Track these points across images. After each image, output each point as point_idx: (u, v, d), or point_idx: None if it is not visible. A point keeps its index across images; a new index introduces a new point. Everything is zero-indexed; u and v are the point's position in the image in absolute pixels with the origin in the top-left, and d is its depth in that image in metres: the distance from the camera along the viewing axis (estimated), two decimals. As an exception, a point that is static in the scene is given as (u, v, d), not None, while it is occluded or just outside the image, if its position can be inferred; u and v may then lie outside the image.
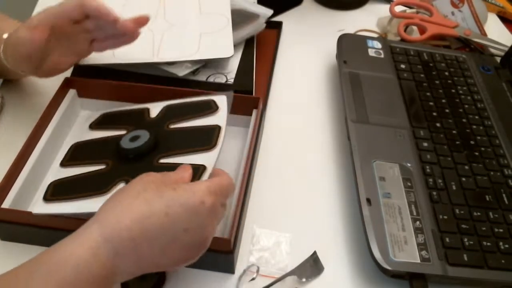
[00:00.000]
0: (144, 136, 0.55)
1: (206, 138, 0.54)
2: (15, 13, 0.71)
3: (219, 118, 0.58)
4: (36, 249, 0.54)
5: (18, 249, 0.54)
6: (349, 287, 0.52)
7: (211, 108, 0.59)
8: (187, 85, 0.68)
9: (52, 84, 0.66)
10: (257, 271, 0.51)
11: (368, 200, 0.53)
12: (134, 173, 0.51)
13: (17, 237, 0.54)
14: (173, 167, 0.50)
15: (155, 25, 0.74)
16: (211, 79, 0.70)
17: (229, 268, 0.52)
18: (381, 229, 0.51)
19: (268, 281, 0.51)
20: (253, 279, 0.51)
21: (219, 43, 0.70)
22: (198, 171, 0.50)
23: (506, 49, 0.79)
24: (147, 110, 0.63)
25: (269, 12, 0.77)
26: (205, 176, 0.49)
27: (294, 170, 0.63)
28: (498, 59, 0.78)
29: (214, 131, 0.55)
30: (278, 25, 0.83)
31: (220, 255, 0.50)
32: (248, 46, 0.75)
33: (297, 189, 0.61)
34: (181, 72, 0.68)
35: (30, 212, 0.53)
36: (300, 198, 0.60)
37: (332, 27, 0.84)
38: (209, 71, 0.71)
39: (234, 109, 0.64)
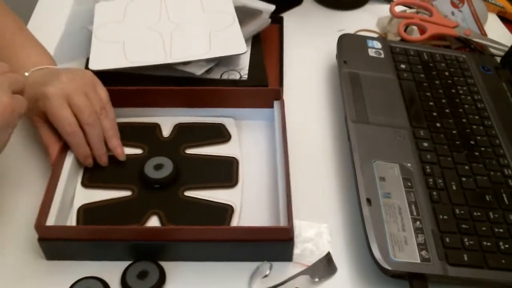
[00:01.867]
0: (167, 165, 0.59)
1: (227, 173, 0.60)
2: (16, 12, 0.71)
3: (234, 148, 0.63)
4: (84, 264, 0.53)
5: (65, 267, 0.53)
6: (349, 287, 0.52)
7: (223, 136, 0.64)
8: (203, 84, 0.69)
9: None
10: (270, 268, 0.51)
11: (368, 200, 0.53)
12: (163, 204, 0.56)
13: (63, 254, 0.53)
14: (198, 202, 0.57)
15: (161, 26, 0.74)
16: (225, 76, 0.71)
17: (288, 256, 0.53)
18: (381, 229, 0.51)
19: (282, 278, 0.51)
20: (265, 276, 0.51)
21: (230, 40, 0.71)
22: (227, 212, 0.55)
23: (506, 49, 0.79)
24: (158, 127, 0.65)
25: (271, 7, 0.79)
26: (235, 218, 0.55)
27: (293, 169, 0.63)
28: (498, 59, 0.78)
29: (232, 164, 0.60)
30: (279, 20, 0.84)
31: (280, 243, 0.51)
32: (254, 42, 0.76)
33: (297, 189, 0.60)
34: (198, 71, 0.69)
35: (78, 227, 0.53)
36: (299, 198, 0.60)
37: (332, 27, 0.84)
38: (222, 69, 0.72)
39: (253, 102, 0.65)
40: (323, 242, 0.55)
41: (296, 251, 0.53)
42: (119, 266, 0.52)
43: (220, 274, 0.52)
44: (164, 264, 0.52)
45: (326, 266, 0.53)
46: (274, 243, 0.51)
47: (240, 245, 0.51)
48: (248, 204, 0.57)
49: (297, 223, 0.56)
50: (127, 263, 0.52)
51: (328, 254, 0.54)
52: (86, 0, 0.82)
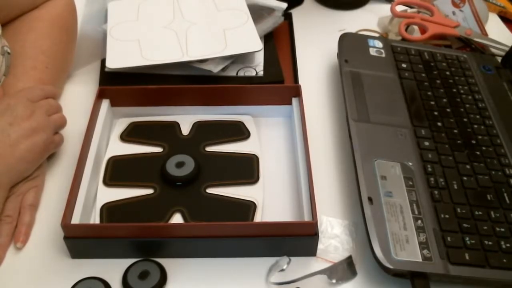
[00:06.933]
0: (189, 163, 0.59)
1: (248, 170, 0.60)
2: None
3: (253, 145, 0.63)
4: (85, 264, 0.53)
5: (90, 265, 0.53)
6: (350, 286, 0.52)
7: (242, 133, 0.64)
8: (219, 81, 0.70)
9: (78, 89, 0.71)
10: (288, 263, 0.52)
11: (370, 199, 0.53)
12: (185, 202, 0.56)
13: (88, 252, 0.53)
14: (221, 199, 0.57)
15: (175, 24, 0.74)
16: (241, 73, 0.71)
17: (312, 251, 0.53)
18: (383, 228, 0.51)
19: (302, 272, 0.51)
20: (282, 270, 0.51)
21: (245, 38, 0.72)
22: (250, 208, 0.55)
23: (507, 49, 0.79)
24: (177, 125, 0.65)
25: (283, 5, 0.80)
26: (258, 214, 0.55)
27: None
28: (499, 59, 0.78)
29: (252, 161, 0.61)
30: (288, 16, 0.85)
31: (305, 238, 0.52)
32: (267, 38, 0.77)
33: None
34: (215, 68, 0.69)
35: (103, 225, 0.54)
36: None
37: (333, 26, 0.84)
38: (237, 66, 0.72)
39: (271, 99, 0.66)
40: (348, 240, 0.55)
41: (320, 246, 0.54)
42: (121, 266, 0.52)
43: (220, 271, 0.52)
44: (164, 263, 0.52)
45: (346, 269, 0.52)
46: (299, 238, 0.52)
47: (265, 241, 0.52)
48: (270, 200, 0.58)
49: (324, 219, 0.56)
50: (128, 263, 0.52)
51: (350, 257, 0.53)
52: (97, 0, 0.82)
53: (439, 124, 0.64)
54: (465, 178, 0.58)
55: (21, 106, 0.56)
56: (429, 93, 0.68)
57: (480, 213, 0.54)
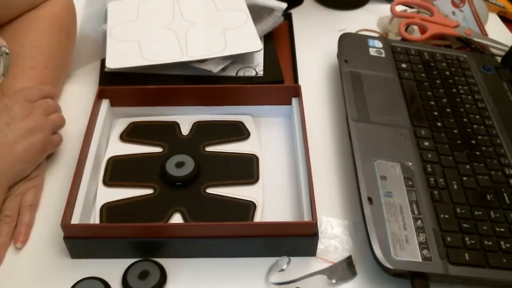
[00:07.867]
0: (189, 163, 0.59)
1: (248, 170, 0.60)
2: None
3: (253, 145, 0.63)
4: (85, 264, 0.53)
5: (90, 265, 0.53)
6: (350, 286, 0.52)
7: (242, 133, 0.64)
8: (219, 81, 0.70)
9: (78, 89, 0.71)
10: (288, 263, 0.52)
11: (370, 199, 0.53)
12: (185, 202, 0.57)
13: (88, 252, 0.53)
14: (221, 199, 0.57)
15: (175, 24, 0.74)
16: (240, 73, 0.71)
17: (311, 251, 0.53)
18: (383, 228, 0.51)
19: (302, 272, 0.51)
20: (282, 270, 0.51)
21: (245, 38, 0.72)
22: (249, 208, 0.56)
23: (507, 49, 0.79)
24: (177, 125, 0.66)
25: (283, 5, 0.80)
26: (258, 214, 0.55)
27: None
28: (499, 59, 0.78)
29: (252, 161, 0.61)
30: (288, 16, 0.85)
31: (305, 238, 0.52)
32: (266, 38, 0.77)
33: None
34: (215, 68, 0.69)
35: (103, 225, 0.54)
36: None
37: (333, 26, 0.84)
38: (237, 66, 0.72)
39: (271, 99, 0.66)
40: (348, 240, 0.55)
41: (320, 246, 0.54)
42: (120, 266, 0.52)
43: (220, 271, 0.52)
44: (164, 263, 0.52)
45: (345, 269, 0.52)
46: (298, 238, 0.52)
47: (265, 241, 0.52)
48: (270, 200, 0.58)
49: (323, 219, 0.56)
50: (128, 263, 0.52)
51: (350, 257, 0.53)
52: (96, 0, 0.82)
53: (439, 124, 0.64)
54: (465, 178, 0.58)
55: (19, 106, 0.56)
56: (429, 93, 0.68)
57: (480, 213, 0.54)
